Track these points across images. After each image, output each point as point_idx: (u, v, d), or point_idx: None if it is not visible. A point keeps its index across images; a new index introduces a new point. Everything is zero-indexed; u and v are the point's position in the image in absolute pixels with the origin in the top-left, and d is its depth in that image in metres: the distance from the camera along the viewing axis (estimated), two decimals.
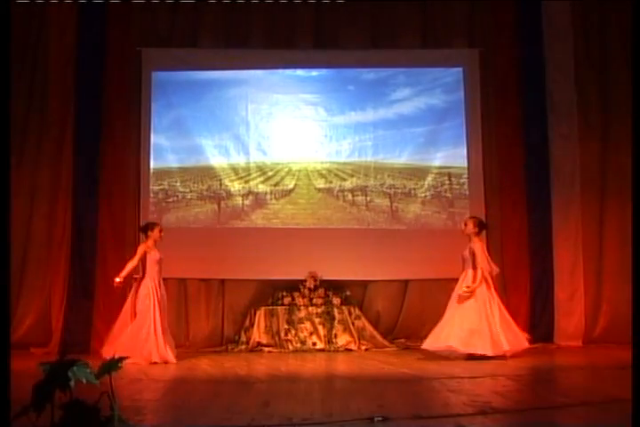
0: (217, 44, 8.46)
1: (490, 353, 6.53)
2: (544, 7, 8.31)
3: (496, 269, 6.98)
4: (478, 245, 6.84)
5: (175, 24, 8.46)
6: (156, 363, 6.59)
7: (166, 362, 6.66)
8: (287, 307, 7.93)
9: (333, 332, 7.80)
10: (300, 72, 8.62)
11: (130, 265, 6.93)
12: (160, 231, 7.04)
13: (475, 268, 6.78)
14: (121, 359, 2.94)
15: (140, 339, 6.66)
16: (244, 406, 4.14)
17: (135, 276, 7.69)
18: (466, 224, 6.98)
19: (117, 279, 6.85)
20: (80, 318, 7.77)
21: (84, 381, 2.74)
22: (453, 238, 7.36)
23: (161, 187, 8.35)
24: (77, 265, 7.87)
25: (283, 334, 7.80)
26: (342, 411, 3.98)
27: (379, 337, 7.94)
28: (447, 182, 8.41)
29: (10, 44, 3.90)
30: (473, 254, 6.79)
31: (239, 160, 8.43)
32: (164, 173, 8.37)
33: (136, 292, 6.90)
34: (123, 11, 8.19)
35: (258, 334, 7.83)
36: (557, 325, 8.01)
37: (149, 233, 7.02)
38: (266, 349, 7.72)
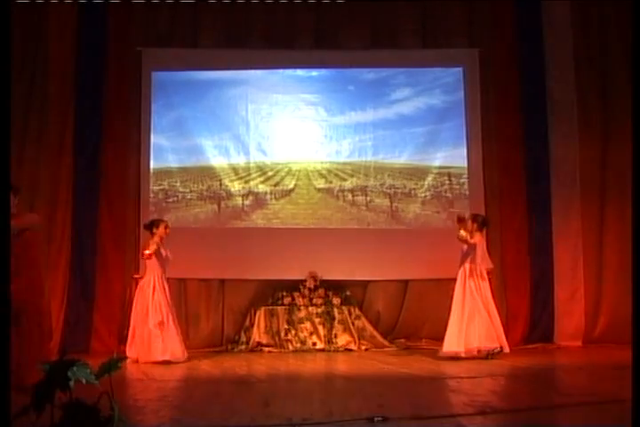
0: (217, 44, 8.45)
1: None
2: (544, 7, 8.30)
3: (490, 265, 7.06)
4: (477, 239, 6.92)
5: (175, 24, 8.45)
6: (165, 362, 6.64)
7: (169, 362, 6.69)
8: (287, 307, 7.93)
9: (333, 332, 7.80)
10: (300, 72, 8.62)
11: (152, 247, 6.90)
12: (166, 228, 7.02)
13: (472, 262, 6.87)
14: (121, 359, 2.95)
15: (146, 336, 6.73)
16: (244, 406, 4.15)
17: (135, 276, 7.70)
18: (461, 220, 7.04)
19: (147, 251, 6.84)
20: (80, 318, 7.78)
21: (84, 381, 2.74)
22: (453, 238, 7.34)
23: (161, 187, 8.34)
24: (77, 265, 7.86)
25: (283, 334, 7.80)
26: (342, 411, 3.98)
27: (379, 337, 7.94)
28: (447, 182, 8.41)
29: (10, 44, 3.89)
30: (473, 249, 6.87)
31: (239, 160, 8.42)
32: (163, 173, 8.36)
33: (141, 290, 6.91)
34: (123, 11, 8.18)
35: (258, 334, 7.83)
36: (557, 325, 8.00)
37: (155, 230, 7.00)
38: (266, 349, 7.72)
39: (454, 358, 6.66)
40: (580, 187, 8.17)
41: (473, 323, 6.73)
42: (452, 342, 6.73)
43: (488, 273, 6.99)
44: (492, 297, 6.93)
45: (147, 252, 6.86)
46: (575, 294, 8.03)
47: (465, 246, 6.93)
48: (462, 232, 6.85)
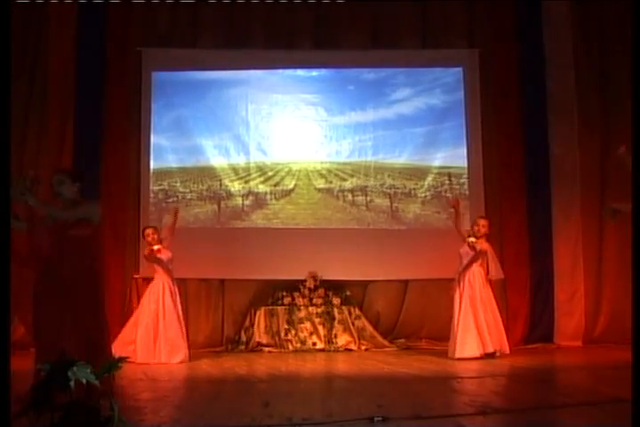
0: (217, 44, 8.46)
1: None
2: (544, 7, 8.31)
3: (502, 275, 7.09)
4: (488, 245, 6.93)
5: (175, 24, 8.46)
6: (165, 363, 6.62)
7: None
8: (287, 307, 7.93)
9: (333, 332, 7.80)
10: (300, 72, 8.62)
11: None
12: (146, 236, 7.01)
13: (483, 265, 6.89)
14: (121, 359, 2.95)
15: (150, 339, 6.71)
16: (244, 406, 4.14)
17: (135, 276, 7.69)
18: (484, 225, 6.96)
19: (155, 247, 6.85)
20: None
21: (84, 381, 2.74)
22: (453, 238, 7.34)
23: (161, 187, 8.34)
24: None
25: (283, 334, 7.79)
26: (342, 411, 3.98)
27: (379, 337, 7.94)
28: (447, 182, 8.41)
29: (10, 44, 3.89)
30: (481, 254, 6.87)
31: (239, 160, 8.43)
32: (163, 173, 8.36)
33: (149, 293, 6.90)
34: (123, 11, 8.19)
35: (258, 334, 7.83)
36: (557, 325, 8.01)
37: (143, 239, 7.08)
38: (266, 349, 7.72)
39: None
40: (580, 187, 8.17)
41: (483, 328, 6.74)
42: (465, 348, 6.68)
43: (490, 281, 7.01)
44: (494, 300, 6.95)
45: (155, 247, 6.87)
46: (575, 294, 8.04)
47: (469, 250, 6.91)
48: (472, 239, 6.85)
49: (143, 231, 7.13)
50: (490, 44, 8.42)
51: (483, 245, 6.89)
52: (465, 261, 6.90)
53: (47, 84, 8.09)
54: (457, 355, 6.68)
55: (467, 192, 8.37)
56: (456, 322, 6.80)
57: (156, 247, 6.85)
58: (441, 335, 7.59)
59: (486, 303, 6.83)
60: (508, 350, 6.84)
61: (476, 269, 6.90)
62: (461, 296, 6.84)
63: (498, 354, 6.76)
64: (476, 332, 6.72)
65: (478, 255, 6.89)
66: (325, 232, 8.27)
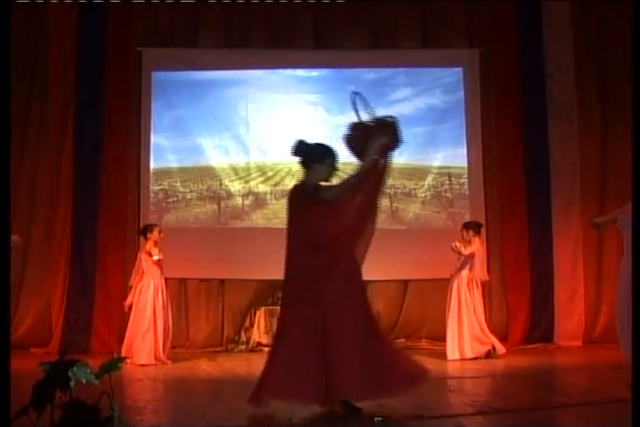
0: (217, 43, 8.46)
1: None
2: (544, 7, 8.31)
3: (485, 277, 7.09)
4: (475, 247, 6.92)
5: (175, 24, 8.46)
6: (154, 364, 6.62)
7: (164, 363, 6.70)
8: None
9: None
10: (300, 72, 8.62)
11: (135, 277, 6.94)
12: (160, 232, 6.98)
13: (471, 270, 6.89)
14: (121, 359, 2.95)
15: (143, 339, 6.70)
16: (244, 406, 4.13)
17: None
18: (466, 233, 7.04)
19: (155, 257, 6.82)
20: (80, 318, 7.78)
21: (84, 381, 2.74)
22: (453, 238, 7.33)
23: (161, 187, 8.35)
24: (77, 265, 7.87)
25: None
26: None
27: None
28: (447, 182, 8.41)
29: (10, 44, 3.90)
30: (470, 257, 6.89)
31: (239, 160, 8.42)
32: (163, 173, 8.36)
33: (139, 293, 6.88)
34: (123, 11, 8.18)
35: (258, 334, 7.83)
36: (557, 325, 8.00)
37: (149, 235, 6.96)
38: (266, 349, 7.70)
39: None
40: (580, 187, 8.17)
41: (468, 331, 6.78)
42: (454, 352, 6.75)
43: (482, 283, 7.03)
44: (482, 305, 6.98)
45: (155, 258, 6.84)
46: (575, 294, 8.03)
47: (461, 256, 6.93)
48: (457, 244, 6.88)
49: (152, 230, 7.00)
50: (490, 44, 8.42)
51: (472, 247, 6.89)
52: (458, 266, 6.94)
53: (47, 84, 8.09)
54: (448, 357, 6.74)
55: (467, 192, 8.37)
56: (447, 325, 6.87)
57: (156, 258, 6.84)
58: (441, 335, 7.56)
59: (470, 308, 6.84)
60: (503, 350, 6.85)
61: (465, 273, 6.90)
62: (450, 300, 6.87)
63: (492, 351, 6.79)
64: (458, 336, 6.77)
65: (467, 259, 6.90)
66: None
